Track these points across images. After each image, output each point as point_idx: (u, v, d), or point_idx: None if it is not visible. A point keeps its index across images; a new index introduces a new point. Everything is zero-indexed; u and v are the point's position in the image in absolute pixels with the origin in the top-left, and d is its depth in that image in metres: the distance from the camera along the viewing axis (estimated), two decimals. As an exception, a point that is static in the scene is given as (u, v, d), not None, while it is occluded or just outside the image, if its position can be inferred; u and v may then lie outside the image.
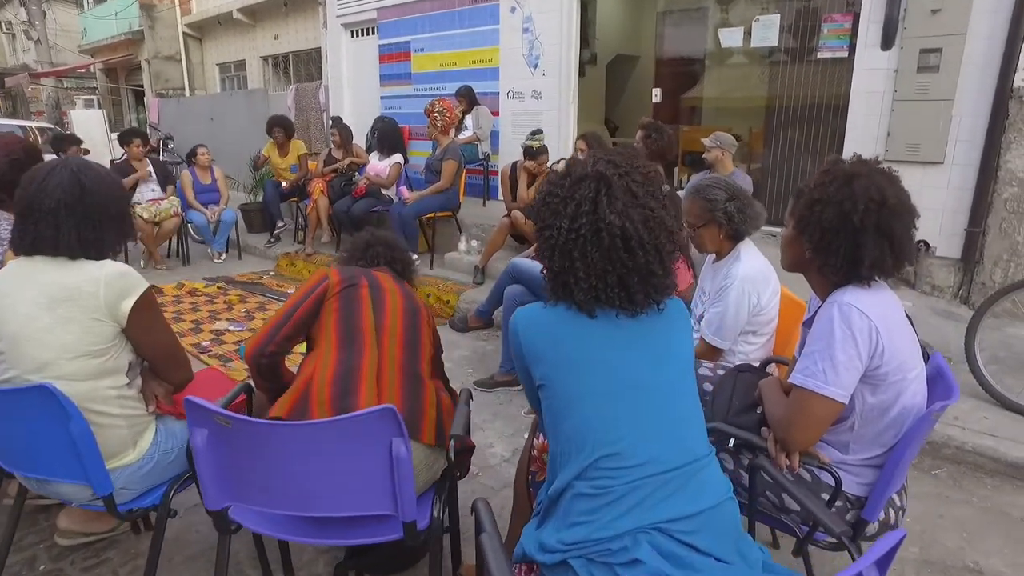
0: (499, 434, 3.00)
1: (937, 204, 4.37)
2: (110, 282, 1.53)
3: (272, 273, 6.25)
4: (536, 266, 3.70)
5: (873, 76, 4.50)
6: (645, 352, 1.23)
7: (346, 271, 1.81)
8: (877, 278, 1.44)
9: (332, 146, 6.59)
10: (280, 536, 1.51)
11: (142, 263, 6.28)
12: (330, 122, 8.11)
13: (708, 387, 1.84)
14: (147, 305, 1.58)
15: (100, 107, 15.71)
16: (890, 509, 1.50)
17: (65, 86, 21.22)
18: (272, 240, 6.88)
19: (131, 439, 1.62)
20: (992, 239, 4.20)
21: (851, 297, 1.38)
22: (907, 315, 1.50)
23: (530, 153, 4.75)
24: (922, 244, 4.47)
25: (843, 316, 1.36)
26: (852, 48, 4.62)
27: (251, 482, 1.41)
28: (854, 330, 1.34)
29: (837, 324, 1.36)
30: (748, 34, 5.29)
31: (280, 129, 6.77)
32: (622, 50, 9.06)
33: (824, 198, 1.40)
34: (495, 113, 6.70)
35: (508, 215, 4.88)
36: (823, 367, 1.36)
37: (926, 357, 1.62)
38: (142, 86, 16.06)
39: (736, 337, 2.14)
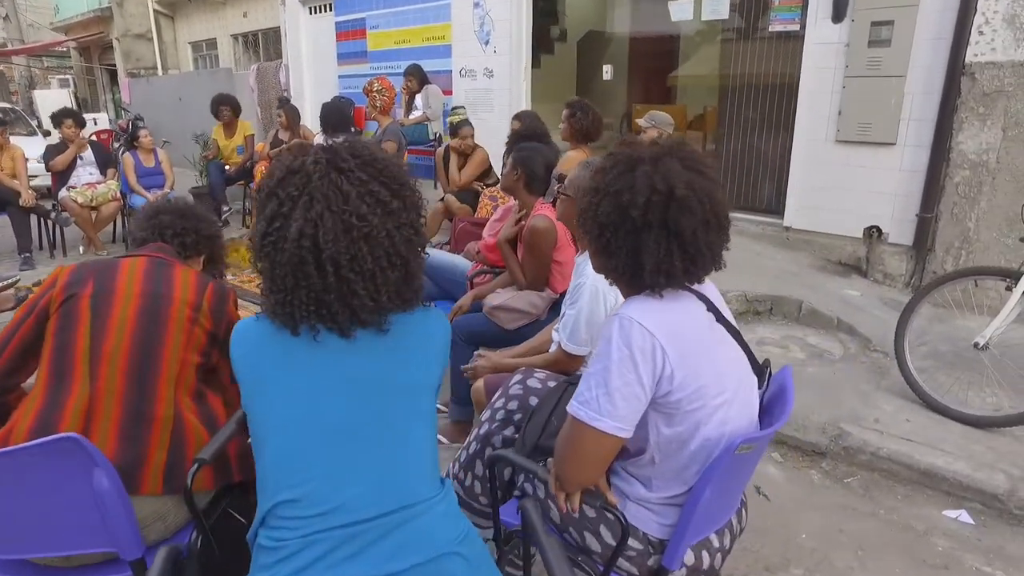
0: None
1: (889, 188, 4.13)
2: None
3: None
4: (446, 257, 3.47)
5: (824, 51, 4.23)
6: (356, 378, 1.03)
7: (76, 273, 1.43)
8: (688, 286, 1.22)
9: (279, 128, 6.34)
10: (3, 579, 1.33)
11: (81, 249, 6.07)
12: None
13: (534, 401, 1.64)
14: None
15: (75, 87, 15.40)
16: (703, 552, 1.29)
17: (46, 65, 20.88)
18: (220, 224, 6.66)
19: None
20: (944, 225, 3.96)
21: (635, 310, 1.15)
22: (731, 327, 1.28)
23: (451, 129, 4.52)
24: (874, 230, 4.24)
25: (622, 333, 1.13)
26: (804, 21, 4.35)
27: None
28: (633, 350, 1.11)
29: (615, 343, 1.13)
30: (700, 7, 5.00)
31: (227, 108, 6.52)
32: (595, 26, 8.71)
33: (601, 187, 1.17)
34: (447, 92, 6.43)
35: (443, 199, 4.66)
36: (597, 394, 1.13)
37: (768, 375, 1.41)
38: (115, 65, 15.71)
39: (595, 342, 1.93)
